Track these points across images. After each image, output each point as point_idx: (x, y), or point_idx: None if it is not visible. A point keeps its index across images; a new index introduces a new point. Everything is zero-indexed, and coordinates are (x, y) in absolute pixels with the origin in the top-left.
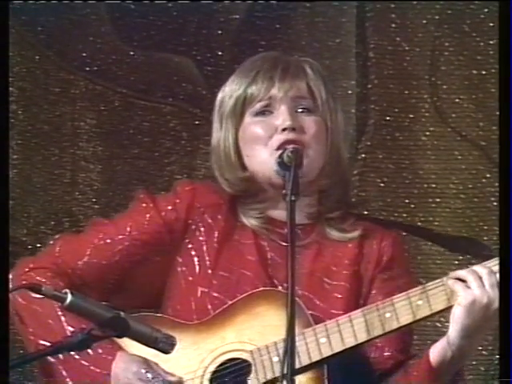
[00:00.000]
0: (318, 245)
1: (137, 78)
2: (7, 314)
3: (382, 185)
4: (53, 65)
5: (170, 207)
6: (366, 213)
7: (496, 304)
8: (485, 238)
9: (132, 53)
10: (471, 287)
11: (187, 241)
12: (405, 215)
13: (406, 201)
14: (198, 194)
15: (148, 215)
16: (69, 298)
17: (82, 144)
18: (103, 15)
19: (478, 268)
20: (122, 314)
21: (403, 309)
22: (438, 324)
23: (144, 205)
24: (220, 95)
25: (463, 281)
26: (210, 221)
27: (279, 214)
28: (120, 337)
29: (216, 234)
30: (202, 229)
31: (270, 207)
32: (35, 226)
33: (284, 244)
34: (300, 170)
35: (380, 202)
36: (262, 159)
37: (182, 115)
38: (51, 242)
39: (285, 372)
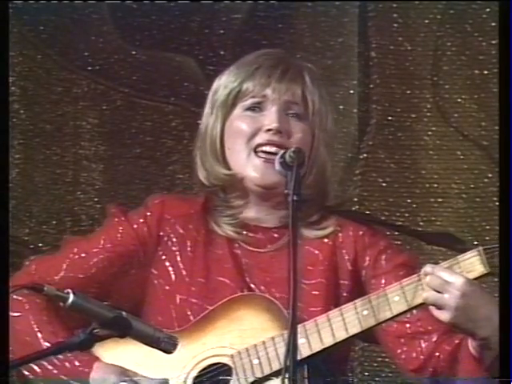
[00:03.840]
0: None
1: (139, 77)
2: (7, 314)
3: (383, 184)
4: (55, 64)
5: (141, 220)
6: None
7: (459, 286)
8: (487, 238)
9: (134, 52)
10: (440, 306)
11: (160, 253)
12: (407, 215)
13: (408, 200)
14: (167, 206)
15: (121, 228)
16: (71, 297)
17: (84, 143)
18: (105, 14)
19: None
20: (123, 313)
21: (381, 305)
22: None
23: (116, 219)
24: (216, 84)
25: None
26: (181, 231)
27: (252, 217)
28: (122, 336)
29: (189, 243)
30: (175, 239)
31: (243, 211)
32: (37, 225)
33: (257, 250)
34: (302, 170)
35: (382, 202)
36: (241, 157)
37: (184, 114)
38: (26, 263)
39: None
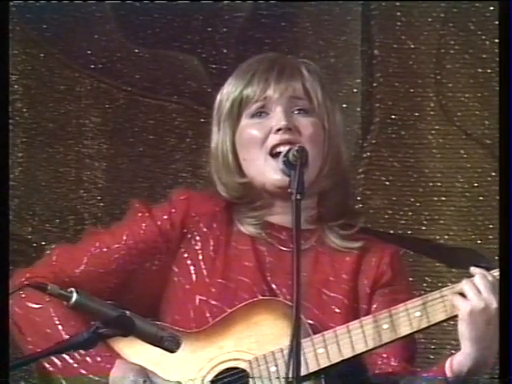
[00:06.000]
0: (316, 252)
1: (142, 75)
2: (7, 314)
3: (387, 183)
4: (57, 63)
5: (165, 216)
6: (368, 226)
7: (494, 304)
8: (490, 237)
9: (137, 51)
10: (468, 297)
11: (183, 250)
12: (410, 214)
13: (411, 199)
14: (192, 203)
15: (144, 224)
16: (74, 296)
17: (87, 142)
18: (108, 13)
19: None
20: (127, 312)
21: (401, 320)
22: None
23: (140, 214)
24: (218, 97)
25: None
26: (205, 229)
27: (277, 218)
28: (125, 335)
29: (212, 243)
30: (198, 238)
31: (267, 213)
32: (40, 223)
33: (283, 248)
34: (305, 169)
35: (385, 201)
36: (258, 164)
37: (187, 113)
38: (48, 252)
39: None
